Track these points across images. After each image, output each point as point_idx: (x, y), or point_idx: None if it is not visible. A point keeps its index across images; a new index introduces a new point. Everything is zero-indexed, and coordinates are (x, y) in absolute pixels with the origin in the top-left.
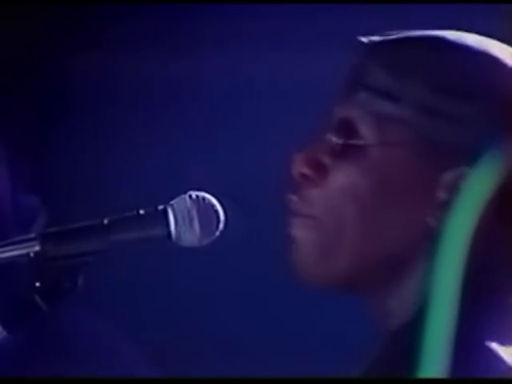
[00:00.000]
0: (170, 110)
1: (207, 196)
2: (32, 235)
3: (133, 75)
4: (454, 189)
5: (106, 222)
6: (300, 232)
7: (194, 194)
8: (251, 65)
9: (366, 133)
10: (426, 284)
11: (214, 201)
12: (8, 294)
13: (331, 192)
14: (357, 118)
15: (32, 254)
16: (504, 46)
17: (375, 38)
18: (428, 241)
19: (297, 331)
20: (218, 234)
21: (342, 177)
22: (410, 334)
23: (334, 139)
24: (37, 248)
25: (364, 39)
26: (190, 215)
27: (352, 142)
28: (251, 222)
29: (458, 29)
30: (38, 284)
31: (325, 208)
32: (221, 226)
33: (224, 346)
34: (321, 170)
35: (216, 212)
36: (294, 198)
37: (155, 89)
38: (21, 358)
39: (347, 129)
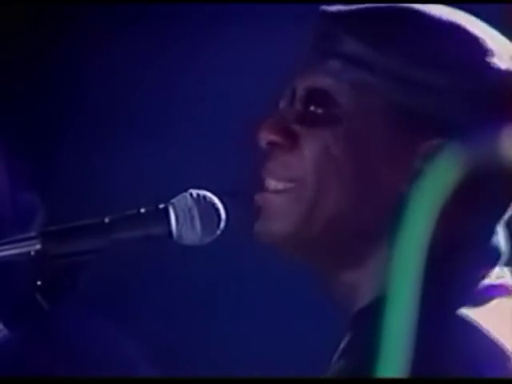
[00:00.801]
0: (170, 109)
1: (208, 194)
2: (33, 234)
3: (132, 75)
4: (428, 159)
5: (106, 220)
6: (275, 198)
7: (194, 192)
8: (249, 63)
9: (341, 100)
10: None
11: (215, 199)
12: (9, 293)
13: (307, 158)
14: (330, 86)
15: (33, 253)
16: (479, 23)
17: (345, 8)
18: (398, 213)
19: (297, 331)
20: (219, 232)
21: (317, 143)
22: (374, 315)
23: (303, 107)
24: (38, 246)
25: (332, 8)
26: (191, 214)
27: (325, 109)
28: (252, 220)
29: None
30: (38, 282)
31: (302, 173)
32: (222, 224)
33: (224, 345)
34: (291, 136)
35: (217, 210)
36: (267, 165)
37: (155, 87)
38: (21, 358)
39: (319, 97)
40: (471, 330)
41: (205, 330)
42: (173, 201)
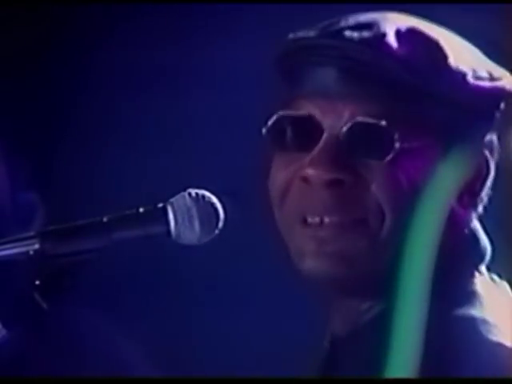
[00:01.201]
0: (169, 108)
1: (207, 194)
2: (31, 233)
3: (132, 75)
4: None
5: (105, 220)
6: (337, 236)
7: (193, 191)
8: (250, 63)
9: (398, 131)
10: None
11: (214, 198)
12: (7, 292)
13: (374, 193)
14: (383, 115)
15: (31, 252)
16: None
17: (385, 36)
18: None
19: (296, 330)
20: (217, 231)
21: (382, 177)
22: (379, 326)
23: (356, 139)
24: (36, 246)
25: (370, 36)
26: (190, 213)
27: (384, 140)
28: (250, 219)
29: (459, 29)
30: (37, 282)
31: (369, 210)
32: (220, 224)
33: (224, 345)
34: (355, 172)
35: (215, 210)
36: (321, 202)
37: (155, 87)
38: (20, 357)
39: (374, 128)
40: (469, 328)
41: (204, 330)
42: (171, 200)
